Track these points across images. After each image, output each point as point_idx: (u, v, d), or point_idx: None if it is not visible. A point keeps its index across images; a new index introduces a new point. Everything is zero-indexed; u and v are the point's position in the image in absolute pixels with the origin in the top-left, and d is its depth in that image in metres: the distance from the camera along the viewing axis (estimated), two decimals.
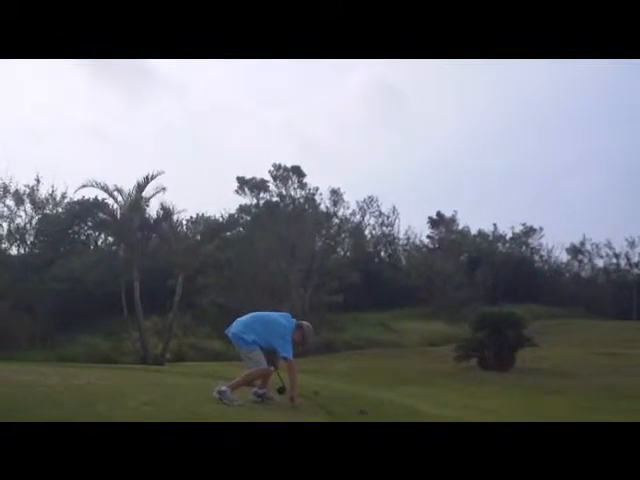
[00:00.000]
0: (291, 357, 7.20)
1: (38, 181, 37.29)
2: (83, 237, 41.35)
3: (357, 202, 50.08)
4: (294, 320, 7.58)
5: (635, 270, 49.62)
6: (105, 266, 33.68)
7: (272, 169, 42.55)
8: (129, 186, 26.50)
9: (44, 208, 38.34)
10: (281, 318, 7.51)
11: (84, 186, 26.11)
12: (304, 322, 7.72)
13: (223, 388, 7.04)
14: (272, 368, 7.37)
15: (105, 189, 26.34)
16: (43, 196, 38.05)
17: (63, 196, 38.88)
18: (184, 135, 76.02)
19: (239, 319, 7.50)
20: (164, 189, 26.23)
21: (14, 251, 37.39)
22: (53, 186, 38.60)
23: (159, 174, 26.04)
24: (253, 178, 43.10)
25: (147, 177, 25.94)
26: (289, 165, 42.58)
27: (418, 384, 16.48)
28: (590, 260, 51.81)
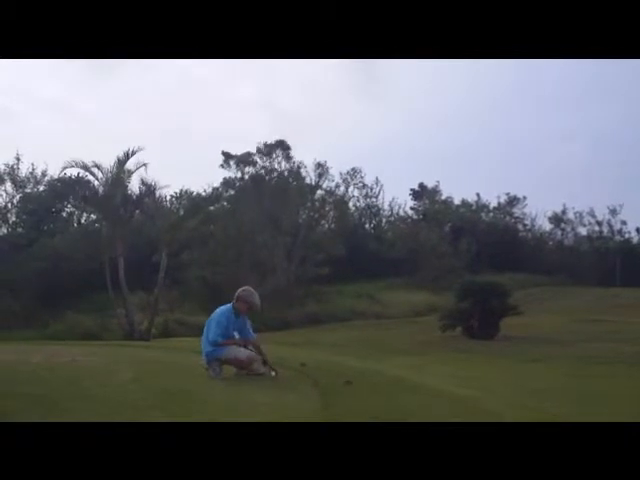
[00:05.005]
0: (221, 340, 7.44)
1: (18, 159, 37.00)
2: (66, 215, 40.98)
3: (340, 174, 49.67)
4: (227, 305, 7.68)
5: (617, 237, 49.98)
6: (89, 243, 33.41)
7: (258, 143, 41.97)
8: (107, 163, 26.48)
9: (25, 187, 37.98)
10: (217, 311, 7.70)
11: (65, 167, 26.26)
12: (238, 290, 7.80)
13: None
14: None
15: (85, 167, 26.26)
16: (23, 175, 37.74)
17: (43, 174, 38.56)
18: (156, 110, 74.41)
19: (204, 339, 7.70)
20: (145, 165, 26.22)
21: None
22: (33, 164, 38.29)
23: (139, 150, 25.96)
24: (238, 153, 42.47)
25: (127, 153, 25.87)
26: (273, 139, 42.03)
27: (404, 354, 16.61)
28: (573, 228, 52.07)
